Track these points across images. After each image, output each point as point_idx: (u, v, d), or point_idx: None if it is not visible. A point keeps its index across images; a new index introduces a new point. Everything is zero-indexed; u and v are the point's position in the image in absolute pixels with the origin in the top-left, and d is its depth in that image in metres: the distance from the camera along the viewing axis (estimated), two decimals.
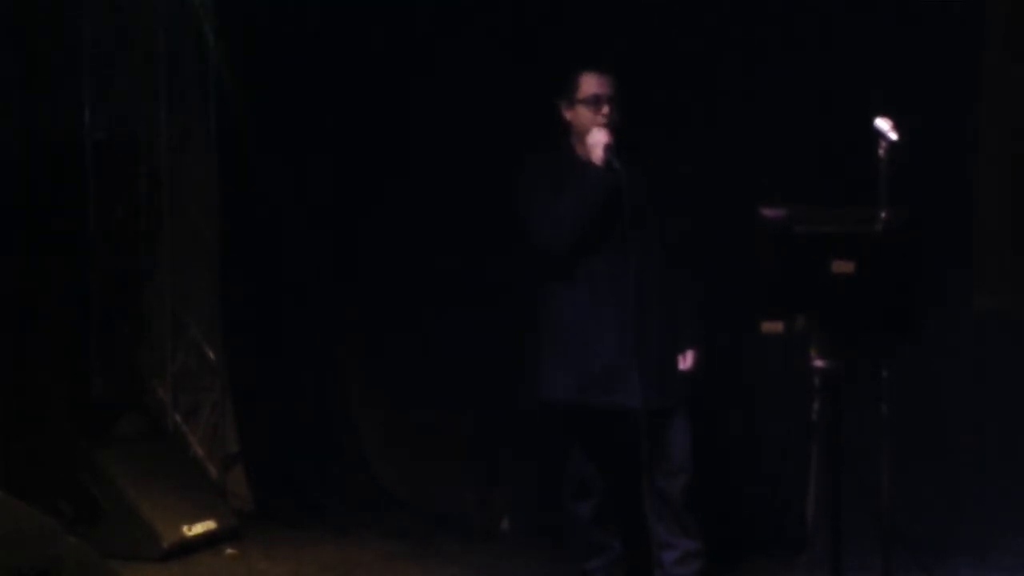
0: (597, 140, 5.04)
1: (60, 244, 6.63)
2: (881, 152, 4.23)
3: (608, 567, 5.33)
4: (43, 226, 6.53)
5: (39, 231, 6.50)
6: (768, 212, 4.16)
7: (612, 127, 5.07)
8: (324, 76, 6.56)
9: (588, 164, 5.06)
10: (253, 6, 6.67)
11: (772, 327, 4.15)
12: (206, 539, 6.08)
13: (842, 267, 4.05)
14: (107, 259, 6.80)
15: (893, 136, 4.22)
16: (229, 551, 6.05)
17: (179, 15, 6.84)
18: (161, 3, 6.79)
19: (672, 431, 5.14)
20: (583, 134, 5.14)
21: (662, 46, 5.93)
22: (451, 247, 6.37)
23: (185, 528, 6.01)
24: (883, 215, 4.06)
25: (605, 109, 5.09)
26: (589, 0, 6.03)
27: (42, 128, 6.58)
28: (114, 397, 6.79)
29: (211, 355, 6.91)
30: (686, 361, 5.19)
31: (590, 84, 5.14)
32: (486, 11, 6.27)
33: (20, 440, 6.17)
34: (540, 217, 5.10)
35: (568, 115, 5.20)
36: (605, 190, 4.99)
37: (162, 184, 6.86)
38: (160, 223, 6.89)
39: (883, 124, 4.24)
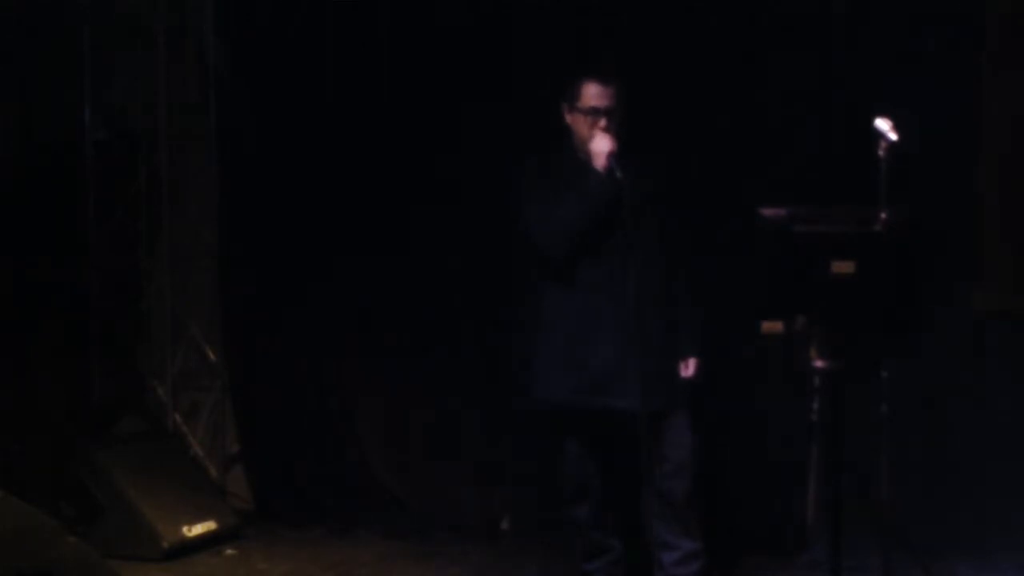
0: (601, 148, 5.03)
1: (60, 244, 6.64)
2: (881, 152, 4.23)
3: (608, 568, 5.33)
4: (43, 226, 6.53)
5: (39, 231, 6.50)
6: (768, 212, 4.16)
7: (614, 133, 5.06)
8: (324, 75, 6.56)
9: (589, 168, 5.06)
10: (253, 6, 6.67)
11: (772, 327, 4.15)
12: (206, 539, 6.08)
13: (842, 267, 4.05)
14: (107, 259, 6.80)
15: (893, 136, 4.22)
16: (229, 552, 6.05)
17: (179, 15, 6.84)
18: (161, 3, 6.79)
19: (673, 431, 5.14)
20: (582, 139, 5.14)
21: (662, 46, 5.92)
22: (452, 247, 6.37)
23: (185, 528, 6.01)
24: (883, 215, 4.06)
25: (602, 122, 5.08)
26: (593, 1, 6.03)
27: (42, 128, 6.58)
28: (114, 397, 6.80)
29: (211, 355, 6.91)
30: (687, 369, 5.20)
31: (590, 94, 5.12)
32: (489, 9, 6.26)
33: (20, 440, 6.17)
34: (540, 220, 5.10)
35: (568, 119, 5.20)
36: (606, 196, 4.99)
37: (162, 184, 6.87)
38: (160, 223, 6.89)
39: (883, 124, 4.24)
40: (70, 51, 6.65)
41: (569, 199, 5.05)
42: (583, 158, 5.12)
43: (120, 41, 6.82)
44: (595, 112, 5.11)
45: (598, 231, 5.04)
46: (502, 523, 6.37)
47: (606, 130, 5.06)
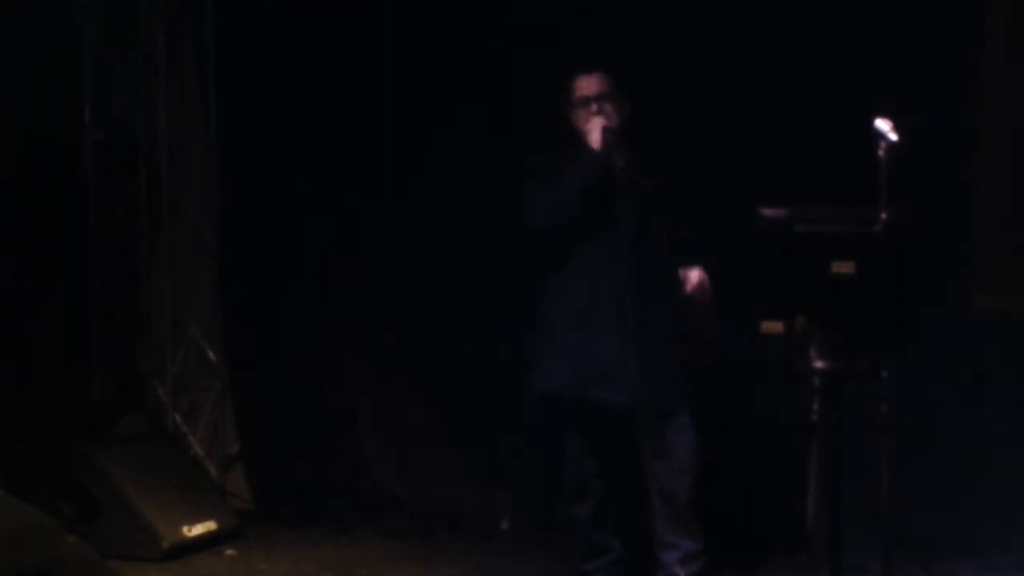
0: (595, 125, 5.10)
1: (60, 244, 6.64)
2: (881, 152, 4.23)
3: (608, 568, 5.33)
4: (43, 226, 6.53)
5: (39, 231, 6.50)
6: (768, 212, 4.16)
7: (608, 115, 5.12)
8: (324, 74, 6.56)
9: (587, 148, 5.11)
10: (252, 6, 6.67)
11: (772, 327, 4.15)
12: (206, 539, 6.08)
13: (842, 267, 4.06)
14: (107, 259, 6.80)
15: (893, 136, 4.22)
16: (229, 552, 6.06)
17: (179, 15, 6.84)
18: (161, 3, 6.79)
19: (675, 431, 5.14)
20: (583, 133, 5.17)
21: (662, 46, 5.93)
22: (452, 246, 6.37)
23: (185, 528, 6.01)
24: (883, 215, 4.06)
25: (594, 107, 5.15)
26: (594, 3, 6.04)
27: (42, 128, 6.58)
28: (114, 397, 6.80)
29: (211, 355, 6.91)
30: (690, 281, 5.08)
31: (579, 87, 5.22)
32: (490, 10, 6.27)
33: (20, 440, 6.17)
34: (536, 199, 5.15)
35: (572, 120, 5.25)
36: (598, 170, 5.02)
37: (162, 184, 6.87)
38: (160, 223, 6.89)
39: (883, 124, 4.24)
40: (70, 51, 6.65)
41: (563, 177, 5.11)
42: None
43: (120, 41, 6.82)
44: (585, 101, 5.18)
45: (593, 211, 5.05)
46: (502, 523, 6.37)
47: (599, 112, 5.13)
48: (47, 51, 6.56)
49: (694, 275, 5.06)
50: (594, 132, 5.09)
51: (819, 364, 4.18)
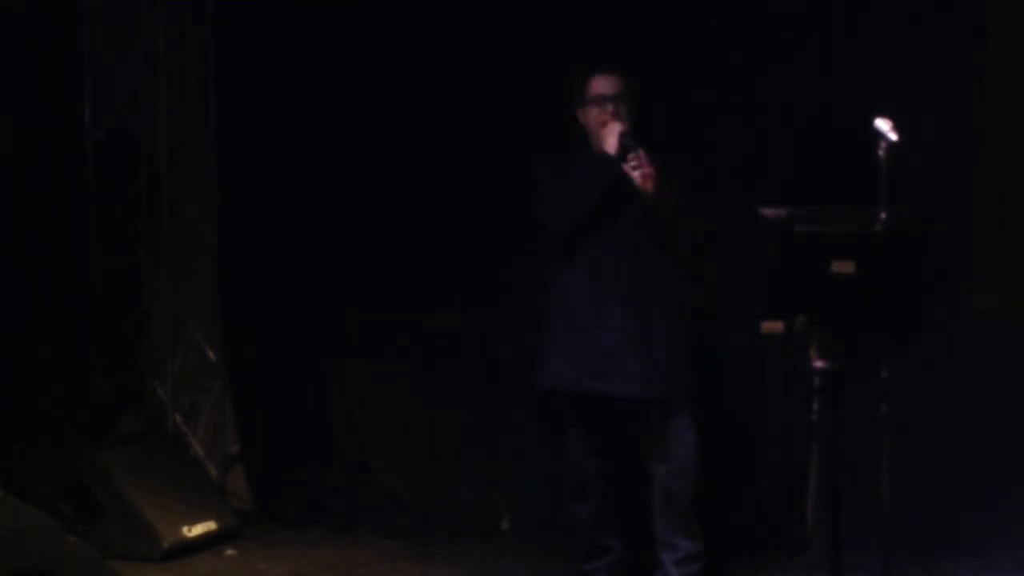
0: (612, 129, 5.11)
1: (60, 244, 6.64)
2: (881, 152, 4.23)
3: (608, 568, 5.33)
4: (43, 226, 6.53)
5: (39, 231, 6.51)
6: (768, 212, 4.17)
7: (624, 118, 5.13)
8: (324, 74, 6.56)
9: (602, 152, 5.12)
10: (253, 5, 6.67)
11: (772, 327, 4.15)
12: (206, 539, 6.08)
13: (842, 267, 4.06)
14: (107, 259, 6.80)
15: (893, 136, 4.22)
16: (229, 552, 6.06)
17: (179, 15, 6.84)
18: (161, 3, 6.79)
19: (677, 430, 5.14)
20: (596, 133, 5.19)
21: (662, 46, 5.93)
22: (453, 246, 6.37)
23: (185, 528, 6.01)
24: (883, 215, 4.07)
25: (610, 107, 5.16)
26: (594, 3, 6.04)
27: (42, 128, 6.58)
28: (114, 397, 6.80)
29: (211, 355, 6.91)
30: (641, 168, 5.04)
31: (597, 85, 5.24)
32: (493, 11, 6.27)
33: (20, 440, 6.17)
34: (552, 201, 5.17)
35: (582, 119, 5.27)
36: (614, 175, 5.04)
37: (162, 184, 6.87)
38: (160, 223, 6.89)
39: (883, 124, 4.25)
40: (70, 51, 6.65)
41: (577, 176, 5.13)
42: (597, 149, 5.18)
43: (120, 41, 6.82)
44: (602, 99, 5.20)
45: (604, 211, 5.07)
46: (502, 523, 6.37)
47: (615, 115, 5.15)
48: (47, 51, 6.57)
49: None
50: (611, 137, 5.09)
51: (819, 364, 4.18)
